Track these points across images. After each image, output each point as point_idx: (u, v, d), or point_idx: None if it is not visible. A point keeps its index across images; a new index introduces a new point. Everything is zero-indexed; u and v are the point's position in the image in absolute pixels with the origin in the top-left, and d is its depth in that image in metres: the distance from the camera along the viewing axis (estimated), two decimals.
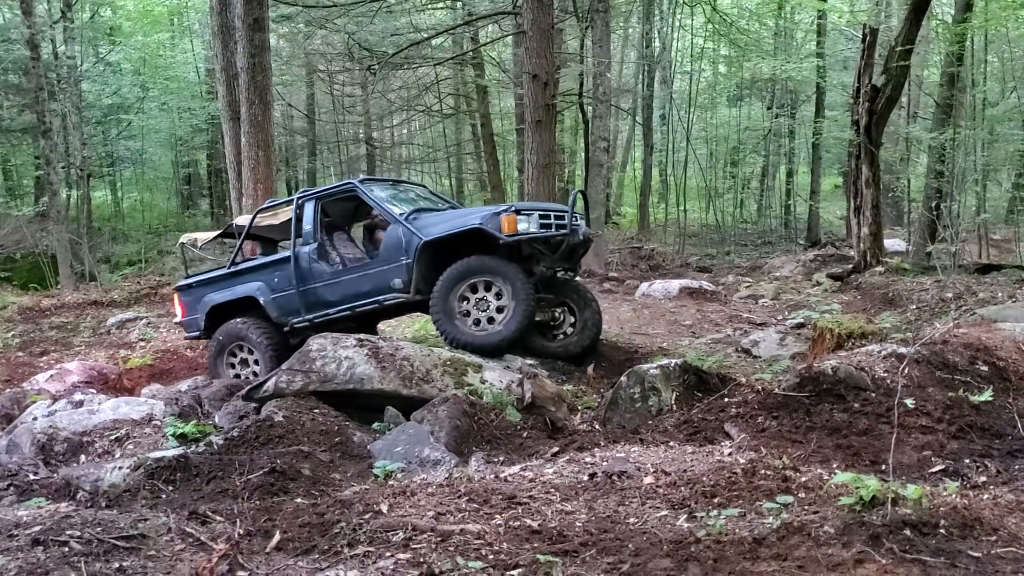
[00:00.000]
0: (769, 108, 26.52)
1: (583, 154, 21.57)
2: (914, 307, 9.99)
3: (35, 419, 6.96)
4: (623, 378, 6.50)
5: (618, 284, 16.24)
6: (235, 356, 9.16)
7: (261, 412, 6.69)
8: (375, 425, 6.56)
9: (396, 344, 7.36)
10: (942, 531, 2.95)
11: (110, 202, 28.48)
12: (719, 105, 28.72)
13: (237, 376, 9.04)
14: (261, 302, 9.03)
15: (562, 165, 24.88)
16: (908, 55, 13.08)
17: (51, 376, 9.02)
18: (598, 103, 18.55)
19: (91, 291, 18.12)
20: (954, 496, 3.35)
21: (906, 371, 5.07)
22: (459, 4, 22.10)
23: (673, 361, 6.57)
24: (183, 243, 10.93)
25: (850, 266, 14.10)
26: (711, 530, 3.24)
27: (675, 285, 14.30)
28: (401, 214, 8.52)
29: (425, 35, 18.34)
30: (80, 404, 7.29)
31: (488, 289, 8.04)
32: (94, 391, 8.26)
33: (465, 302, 8.08)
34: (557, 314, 8.98)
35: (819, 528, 3.08)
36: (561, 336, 8.96)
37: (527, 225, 8.00)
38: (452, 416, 6.08)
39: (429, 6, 22.64)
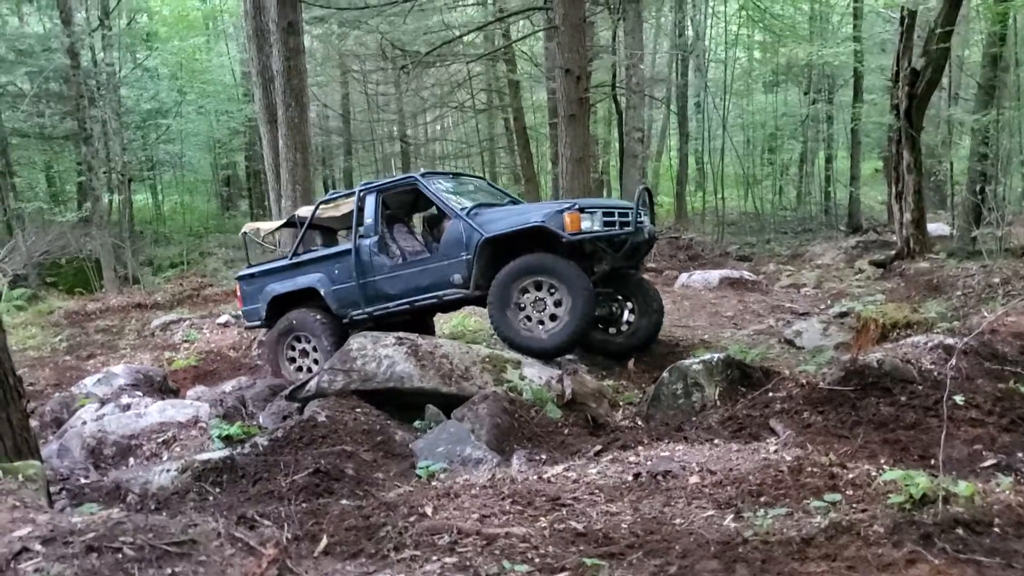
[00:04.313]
0: (806, 93, 26.16)
1: (617, 145, 21.46)
2: (960, 293, 9.80)
3: (84, 423, 7.07)
4: (665, 374, 6.46)
5: (657, 275, 16.14)
6: (294, 348, 9.26)
7: (304, 412, 6.76)
8: (416, 423, 6.59)
9: (435, 342, 7.39)
10: (996, 530, 2.88)
11: (151, 205, 28.92)
12: (755, 92, 28.40)
13: (299, 368, 9.18)
14: (322, 293, 9.08)
15: (596, 157, 24.77)
16: (948, 37, 12.83)
17: (98, 379, 9.13)
18: (632, 94, 18.42)
19: (135, 294, 18.41)
20: (1008, 493, 3.27)
21: (954, 363, 4.98)
22: (490, 1, 22.10)
23: (715, 355, 6.50)
24: (245, 232, 11.03)
25: (892, 252, 13.88)
26: (758, 530, 3.20)
27: (715, 275, 14.16)
28: (462, 209, 8.43)
29: (457, 33, 18.36)
30: (127, 407, 7.40)
31: (546, 289, 7.92)
32: (140, 393, 8.38)
33: (522, 301, 7.99)
34: (614, 309, 8.88)
35: (868, 527, 3.03)
36: (615, 331, 8.89)
37: (591, 223, 7.85)
38: (492, 414, 6.08)
39: (460, 4, 22.67)
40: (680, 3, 25.05)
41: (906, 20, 13.26)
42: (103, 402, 7.86)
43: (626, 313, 8.91)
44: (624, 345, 8.75)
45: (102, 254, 20.01)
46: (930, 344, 5.36)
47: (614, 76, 20.87)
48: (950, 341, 5.30)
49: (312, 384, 7.15)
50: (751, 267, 16.87)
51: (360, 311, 8.91)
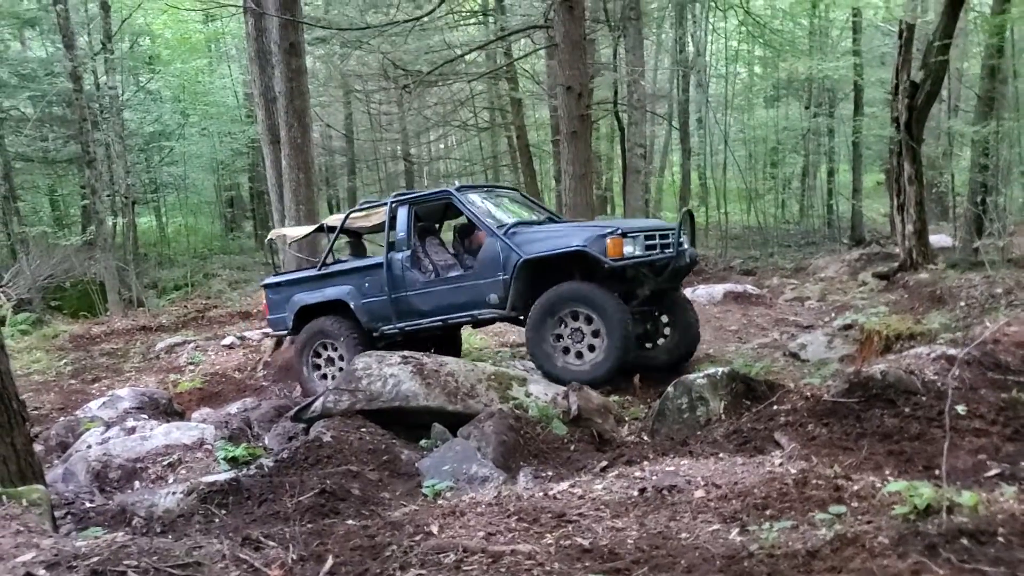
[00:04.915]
0: (807, 107, 26.22)
1: (620, 161, 21.53)
2: (963, 304, 9.78)
3: (89, 447, 7.09)
4: (670, 388, 6.45)
5: None
6: (320, 356, 9.22)
7: (310, 433, 6.77)
8: (422, 442, 6.59)
9: (440, 360, 7.40)
10: (1001, 539, 2.88)
11: (155, 228, 28.98)
12: (756, 106, 28.47)
13: (322, 375, 9.16)
14: (351, 307, 8.99)
15: (599, 174, 24.83)
16: (946, 50, 12.85)
17: (103, 403, 9.15)
18: (633, 110, 18.50)
19: (139, 317, 18.41)
20: (1012, 502, 3.27)
21: (957, 373, 4.98)
22: (491, 20, 22.25)
23: (720, 369, 6.50)
24: (271, 239, 10.99)
25: (895, 264, 13.87)
26: (764, 543, 3.20)
27: (719, 289, 14.15)
28: (500, 227, 8.34)
29: (459, 52, 18.46)
30: (133, 430, 7.43)
31: (584, 319, 7.86)
32: (146, 416, 8.40)
33: (559, 331, 7.93)
34: (648, 327, 8.83)
35: (873, 539, 3.02)
36: (650, 346, 8.85)
37: (632, 248, 7.77)
38: (498, 431, 6.09)
39: (462, 23, 22.82)
40: (680, 20, 25.21)
41: (905, 33, 13.29)
42: (108, 425, 7.89)
43: (661, 328, 8.86)
44: (658, 359, 8.72)
45: (106, 277, 20.05)
46: (933, 355, 5.37)
47: (616, 93, 20.95)
48: (953, 352, 5.30)
49: (317, 404, 7.16)
50: (755, 281, 16.86)
51: (391, 326, 8.83)
